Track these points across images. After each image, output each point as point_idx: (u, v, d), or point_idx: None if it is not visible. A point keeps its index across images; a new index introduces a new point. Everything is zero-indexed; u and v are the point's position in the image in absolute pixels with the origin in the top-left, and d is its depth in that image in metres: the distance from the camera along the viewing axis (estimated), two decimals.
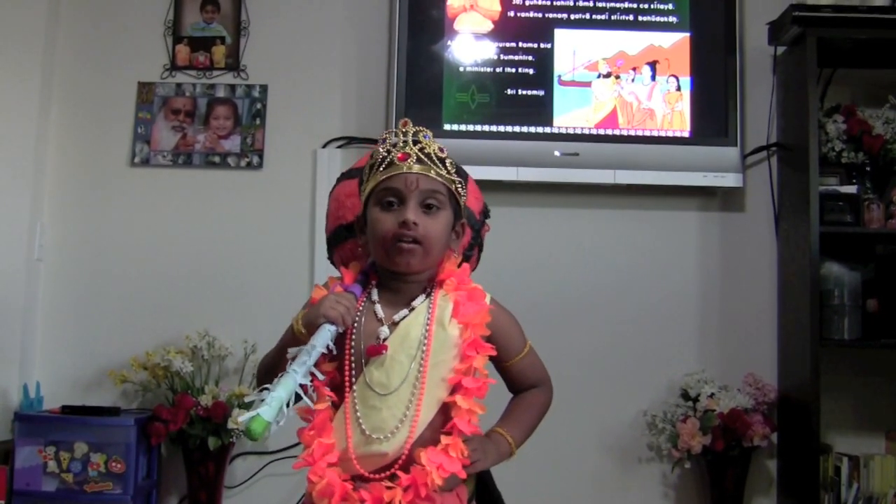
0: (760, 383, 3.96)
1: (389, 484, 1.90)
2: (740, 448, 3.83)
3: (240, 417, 1.73)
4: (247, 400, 3.76)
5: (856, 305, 3.89)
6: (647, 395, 4.09)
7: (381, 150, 2.02)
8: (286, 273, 4.15)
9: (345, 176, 2.27)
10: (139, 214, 4.20)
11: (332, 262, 2.28)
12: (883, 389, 4.08)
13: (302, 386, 1.81)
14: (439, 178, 2.00)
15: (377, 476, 1.93)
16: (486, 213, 2.29)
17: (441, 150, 2.03)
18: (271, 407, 1.73)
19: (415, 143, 2.01)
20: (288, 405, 1.77)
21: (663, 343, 4.14)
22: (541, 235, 4.19)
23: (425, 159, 1.99)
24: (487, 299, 2.07)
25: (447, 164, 2.02)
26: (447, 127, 4.02)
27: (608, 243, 4.20)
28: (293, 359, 1.84)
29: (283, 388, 1.77)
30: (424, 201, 1.99)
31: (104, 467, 3.73)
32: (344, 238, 2.19)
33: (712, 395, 3.89)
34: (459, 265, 2.10)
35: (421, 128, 2.03)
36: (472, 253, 2.24)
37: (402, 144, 2.00)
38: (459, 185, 2.05)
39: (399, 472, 1.91)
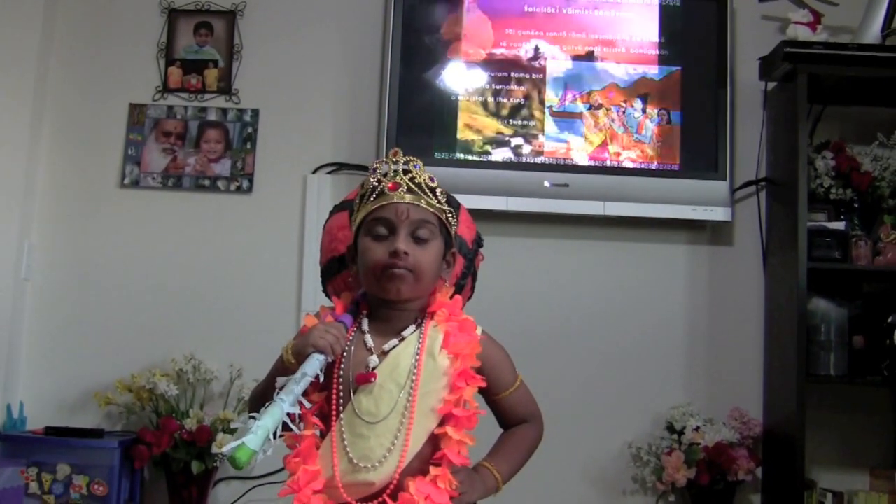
0: (746, 417, 3.97)
1: None
2: (725, 482, 3.83)
3: (225, 447, 1.73)
4: (233, 427, 3.74)
5: (842, 342, 3.90)
6: (633, 427, 4.08)
7: (371, 179, 2.03)
8: (274, 298, 4.14)
9: (337, 208, 2.27)
10: (128, 236, 4.19)
11: (327, 294, 2.28)
12: (868, 426, 4.09)
13: (290, 415, 1.80)
14: (430, 208, 2.01)
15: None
16: (478, 242, 2.29)
17: (431, 179, 2.03)
18: (257, 436, 1.72)
19: (405, 172, 2.01)
20: (275, 435, 1.76)
21: (649, 375, 4.14)
22: (530, 266, 4.19)
23: (416, 189, 2.00)
24: (479, 331, 2.07)
25: (438, 194, 2.03)
26: (437, 155, 4.04)
27: (597, 275, 4.21)
28: (281, 388, 1.84)
29: (269, 417, 1.76)
30: (415, 231, 2.00)
31: (87, 490, 3.70)
32: (337, 270, 2.19)
33: (697, 428, 3.88)
34: (452, 295, 2.11)
35: (411, 157, 2.03)
36: (466, 282, 2.24)
37: (392, 174, 2.01)
38: (450, 215, 2.05)
39: (387, 499, 1.91)
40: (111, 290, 4.17)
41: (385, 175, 2.02)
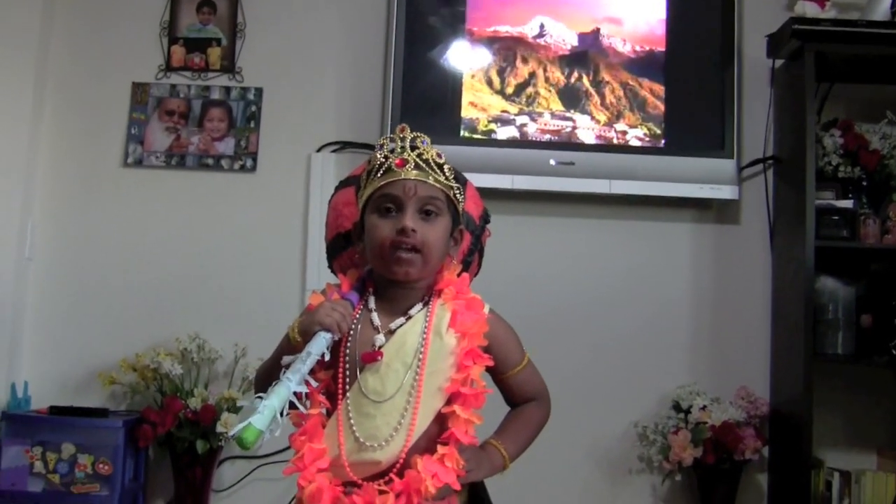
0: (753, 397, 3.97)
1: (382, 489, 1.89)
2: (731, 461, 3.82)
3: (232, 428, 1.71)
4: (238, 406, 3.75)
5: (849, 321, 3.90)
6: (639, 406, 4.08)
7: (378, 156, 2.00)
8: (278, 277, 4.14)
9: (342, 184, 2.25)
10: (131, 215, 4.20)
11: (332, 271, 2.26)
12: (875, 405, 4.09)
13: (296, 394, 1.79)
14: (437, 185, 1.98)
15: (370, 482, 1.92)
16: (485, 218, 2.27)
17: (439, 155, 2.01)
18: (264, 416, 1.71)
19: (412, 148, 1.99)
20: (282, 414, 1.74)
21: (656, 354, 4.14)
22: (535, 244, 4.18)
23: (423, 165, 1.98)
24: (486, 310, 2.06)
25: (445, 170, 2.01)
26: (442, 134, 3.99)
27: (603, 253, 4.20)
28: (287, 367, 1.82)
29: (276, 397, 1.75)
30: (423, 207, 1.98)
31: (91, 469, 3.71)
32: (343, 247, 2.18)
33: (704, 407, 3.88)
34: (460, 273, 2.09)
35: (418, 133, 2.00)
36: (472, 259, 2.22)
37: (399, 150, 1.99)
38: (458, 191, 2.03)
39: (394, 477, 1.90)
40: (115, 270, 4.17)
41: (392, 151, 1.99)
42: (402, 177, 1.96)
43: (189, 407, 3.80)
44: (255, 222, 4.19)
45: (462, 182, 2.09)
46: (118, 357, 3.97)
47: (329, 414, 1.97)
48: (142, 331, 4.07)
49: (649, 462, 4.05)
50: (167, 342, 3.99)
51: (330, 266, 2.26)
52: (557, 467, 3.98)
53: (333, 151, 4.20)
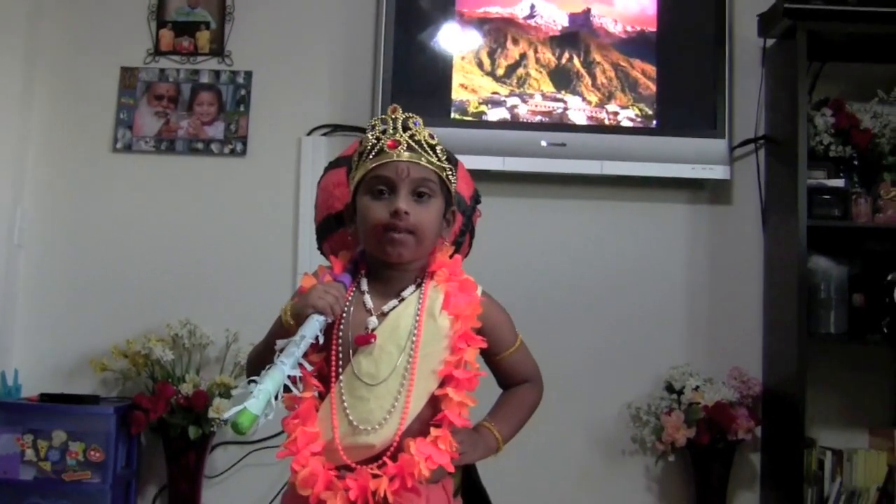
0: (746, 377, 3.97)
1: (376, 472, 1.88)
2: (725, 441, 3.83)
3: (226, 413, 1.70)
4: (233, 393, 3.75)
5: (842, 300, 3.90)
6: (632, 387, 4.08)
7: (370, 137, 1.99)
8: (269, 261, 4.14)
9: (332, 165, 2.24)
10: (121, 200, 4.19)
11: (322, 253, 2.25)
12: (868, 384, 4.09)
13: (290, 377, 1.78)
14: (430, 166, 1.97)
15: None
16: (476, 199, 2.26)
17: (431, 136, 2.00)
18: (258, 400, 1.70)
19: (405, 129, 1.98)
20: (276, 398, 1.74)
21: (649, 336, 4.14)
22: (527, 226, 4.18)
23: (416, 146, 1.96)
24: (479, 291, 2.05)
25: (438, 151, 1.99)
26: (432, 116, 3.91)
27: (595, 235, 4.20)
28: (281, 350, 1.82)
29: (270, 381, 1.74)
30: (416, 189, 1.96)
31: (83, 456, 3.71)
32: (333, 228, 2.17)
33: (697, 387, 3.89)
34: (452, 255, 2.08)
35: (410, 114, 1.99)
36: (464, 239, 2.21)
37: (391, 131, 1.97)
38: (450, 172, 2.02)
39: (387, 460, 1.89)
40: (105, 256, 4.16)
41: (384, 132, 1.98)
42: (395, 158, 1.95)
43: (181, 393, 3.80)
44: (246, 206, 4.19)
45: (454, 163, 2.08)
46: (109, 343, 3.97)
47: (322, 397, 1.96)
48: (133, 317, 4.06)
49: (643, 443, 4.05)
50: (158, 328, 3.98)
51: (320, 248, 2.26)
52: (551, 449, 4.00)
53: (324, 134, 4.19)
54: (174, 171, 4.20)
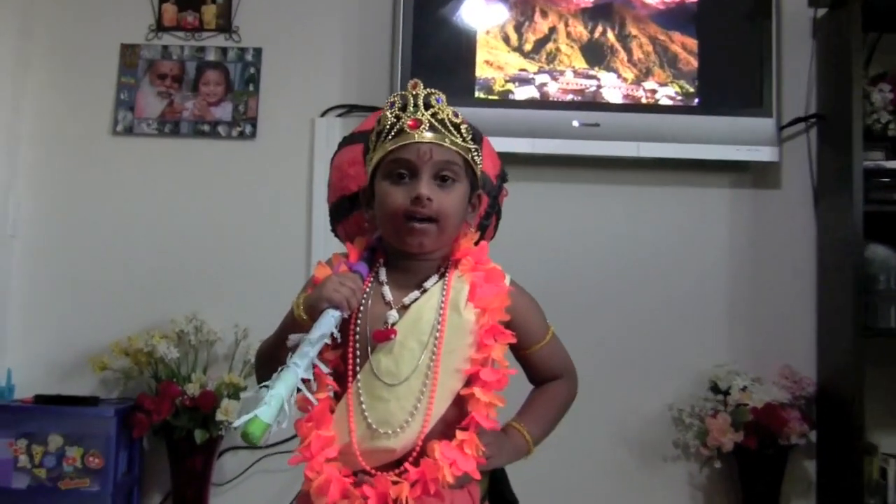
0: (797, 376, 3.93)
1: (396, 478, 1.84)
2: (775, 446, 3.79)
3: (236, 421, 1.67)
4: (242, 396, 3.69)
5: None
6: (673, 387, 4.05)
7: (388, 115, 1.94)
8: (281, 252, 4.11)
9: (347, 141, 2.20)
10: (122, 187, 4.17)
11: (337, 236, 2.22)
12: None
13: (305, 380, 1.75)
14: (454, 148, 1.93)
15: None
16: (503, 177, 2.22)
17: (455, 114, 1.95)
18: (270, 406, 1.67)
19: (426, 107, 1.92)
20: (290, 403, 1.71)
21: (691, 331, 4.10)
22: (557, 213, 4.15)
23: (439, 126, 1.92)
24: (507, 281, 2.00)
25: (462, 131, 1.95)
26: (455, 95, 3.87)
27: (631, 222, 4.17)
28: (293, 349, 1.78)
29: (283, 385, 1.70)
30: (438, 173, 1.92)
31: (81, 462, 3.68)
32: (348, 211, 2.13)
33: (744, 388, 3.85)
34: (478, 241, 2.04)
35: (433, 90, 1.94)
36: (489, 222, 2.18)
37: (412, 109, 1.92)
38: (476, 154, 1.98)
39: (409, 466, 1.85)
40: (105, 247, 4.15)
41: (403, 110, 1.93)
42: (416, 140, 1.90)
43: (186, 393, 3.77)
44: (256, 193, 4.16)
45: (479, 141, 2.03)
46: (109, 340, 3.95)
47: (338, 397, 1.92)
48: (135, 312, 4.05)
49: (685, 448, 4.02)
50: (162, 324, 3.96)
51: (334, 230, 2.23)
52: (585, 453, 3.98)
53: (339, 115, 4.18)
54: (178, 156, 4.18)
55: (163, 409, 3.75)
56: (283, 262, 4.09)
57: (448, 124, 1.93)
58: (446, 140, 1.92)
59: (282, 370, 1.73)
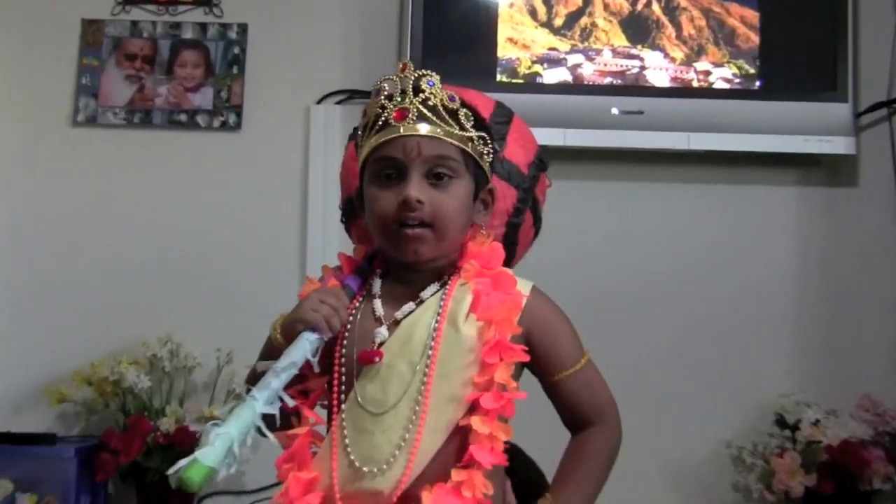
0: (880, 408, 3.83)
1: None
2: (856, 491, 3.70)
3: (173, 466, 1.63)
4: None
5: None
6: (732, 420, 3.97)
7: (374, 104, 1.91)
8: (271, 262, 4.09)
9: (356, 132, 2.18)
10: (84, 187, 4.14)
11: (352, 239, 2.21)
12: None
13: (269, 416, 1.72)
14: (450, 139, 1.88)
15: None
16: (539, 165, 2.17)
17: (451, 98, 1.90)
18: (215, 448, 1.62)
19: (416, 92, 1.88)
20: (245, 443, 1.67)
21: (752, 355, 4.04)
22: (594, 214, 4.11)
23: (430, 114, 1.87)
24: (526, 288, 1.94)
25: (461, 117, 1.90)
26: (474, 78, 3.82)
27: (679, 226, 4.12)
28: (258, 379, 1.77)
29: (235, 423, 1.67)
30: (432, 170, 1.89)
31: None
32: (355, 213, 2.10)
33: (817, 422, 3.77)
34: (510, 242, 2.05)
35: (425, 71, 1.89)
36: (521, 220, 2.12)
37: (399, 97, 1.88)
38: (480, 143, 1.93)
39: None
40: (64, 257, 4.12)
41: (391, 98, 1.89)
42: (402, 133, 1.86)
43: (160, 429, 3.74)
44: (242, 193, 4.14)
45: (506, 118, 2.05)
46: (69, 368, 3.89)
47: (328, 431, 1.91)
48: (99, 333, 4.00)
49: (747, 492, 3.91)
50: (131, 347, 3.92)
51: (348, 231, 2.22)
52: (627, 496, 3.78)
53: (338, 103, 4.16)
54: (150, 151, 4.16)
55: (132, 448, 3.71)
56: (273, 274, 4.05)
57: (441, 112, 1.88)
58: (439, 130, 1.87)
59: (237, 405, 1.70)
